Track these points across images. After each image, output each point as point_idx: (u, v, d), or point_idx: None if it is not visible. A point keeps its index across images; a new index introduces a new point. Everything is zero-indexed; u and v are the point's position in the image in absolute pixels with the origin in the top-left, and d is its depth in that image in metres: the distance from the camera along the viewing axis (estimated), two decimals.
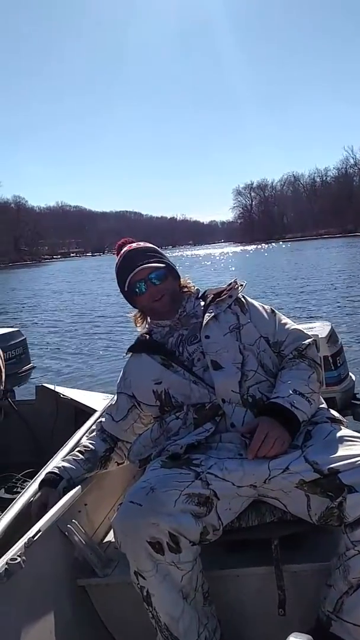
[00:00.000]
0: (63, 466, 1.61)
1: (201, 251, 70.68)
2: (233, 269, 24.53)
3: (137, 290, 1.57)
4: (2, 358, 2.30)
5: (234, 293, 1.58)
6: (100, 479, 1.76)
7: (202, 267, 28.85)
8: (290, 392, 1.38)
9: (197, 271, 23.28)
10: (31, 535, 1.31)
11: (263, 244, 70.20)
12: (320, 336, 2.69)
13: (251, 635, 1.38)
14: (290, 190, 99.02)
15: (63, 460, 1.65)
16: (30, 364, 2.80)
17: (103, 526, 1.73)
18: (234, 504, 1.28)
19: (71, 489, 1.57)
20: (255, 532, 1.33)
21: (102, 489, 1.78)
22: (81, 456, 1.65)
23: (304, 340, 1.52)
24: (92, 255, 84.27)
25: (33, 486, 1.70)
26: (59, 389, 2.60)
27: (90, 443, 1.69)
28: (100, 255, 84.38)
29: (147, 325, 1.68)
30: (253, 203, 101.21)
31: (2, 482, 2.26)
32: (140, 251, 1.62)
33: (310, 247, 45.21)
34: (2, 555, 1.26)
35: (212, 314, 1.52)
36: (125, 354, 1.67)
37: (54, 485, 1.56)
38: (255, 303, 1.60)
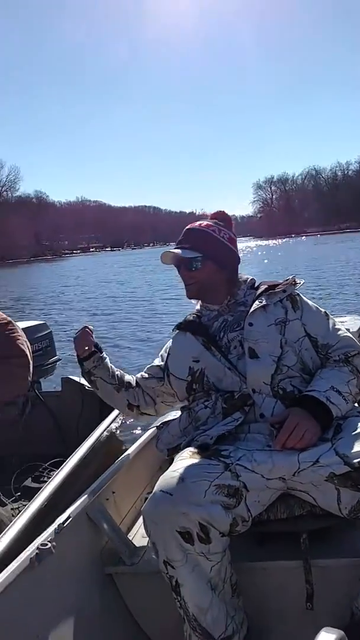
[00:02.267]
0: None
1: None
2: (266, 261, 24.11)
3: (178, 268, 1.61)
4: (30, 350, 2.33)
5: (289, 289, 1.56)
6: (128, 468, 1.78)
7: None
8: (328, 387, 1.37)
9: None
10: (61, 522, 1.33)
11: (285, 238, 69.42)
12: (351, 330, 2.67)
13: (278, 629, 1.38)
14: (312, 184, 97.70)
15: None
16: (56, 356, 2.84)
17: (130, 515, 1.75)
18: (262, 496, 1.28)
19: (97, 367, 1.65)
20: (284, 525, 1.32)
21: (130, 478, 1.80)
22: (114, 367, 1.74)
23: (354, 348, 1.50)
24: (111, 250, 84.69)
25: (59, 475, 1.74)
26: (84, 381, 2.63)
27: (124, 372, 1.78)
28: (119, 249, 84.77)
29: (199, 306, 1.68)
30: (273, 197, 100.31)
31: (30, 471, 2.31)
32: (192, 233, 1.61)
33: (334, 240, 44.46)
34: (32, 541, 1.29)
35: (262, 303, 1.51)
36: (171, 331, 1.69)
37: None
38: (310, 303, 1.58)
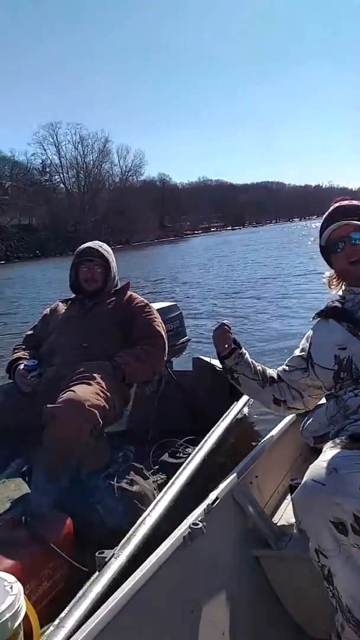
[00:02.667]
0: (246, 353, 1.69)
1: None
2: None
3: (335, 247, 1.52)
4: (165, 331, 2.42)
5: None
6: (269, 453, 1.80)
7: None
8: None
9: None
10: (210, 502, 1.37)
11: None
12: None
13: None
14: None
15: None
16: (186, 336, 2.94)
17: (273, 499, 1.76)
18: None
19: (239, 362, 1.65)
20: None
21: (271, 463, 1.81)
22: (255, 363, 1.73)
23: None
24: (232, 229, 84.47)
25: (199, 454, 1.79)
26: (215, 362, 2.67)
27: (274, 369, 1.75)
28: (240, 228, 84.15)
29: (341, 292, 1.62)
30: None
31: (166, 447, 2.43)
32: (349, 208, 1.55)
33: None
34: (177, 517, 1.36)
35: None
36: (312, 319, 1.65)
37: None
38: None
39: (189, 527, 1.27)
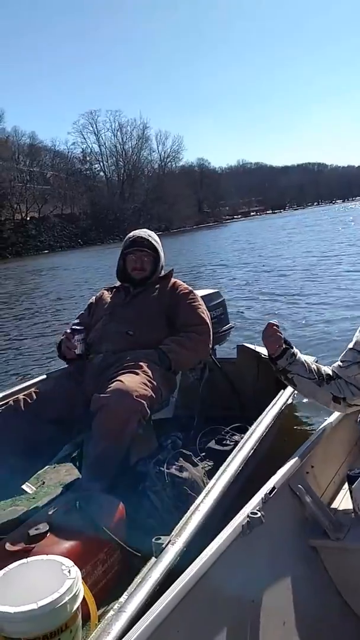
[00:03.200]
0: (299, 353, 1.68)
1: None
2: None
3: None
4: (209, 318, 2.41)
5: None
6: (326, 442, 1.77)
7: None
8: None
9: None
10: (267, 492, 1.37)
11: None
12: None
13: None
14: None
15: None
16: (230, 323, 2.91)
17: (329, 489, 1.74)
18: None
19: (291, 364, 1.63)
20: None
21: (327, 452, 1.79)
22: (310, 361, 1.71)
23: None
24: (272, 212, 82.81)
25: (248, 443, 1.78)
26: (260, 349, 2.64)
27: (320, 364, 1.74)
28: (280, 212, 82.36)
29: None
30: None
31: (213, 434, 2.43)
32: None
33: None
34: (232, 505, 1.36)
35: None
36: None
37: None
38: None
39: (248, 516, 1.27)
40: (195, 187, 74.00)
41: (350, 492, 1.42)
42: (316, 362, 1.73)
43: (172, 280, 2.48)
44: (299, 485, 1.51)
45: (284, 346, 1.65)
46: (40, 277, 21.30)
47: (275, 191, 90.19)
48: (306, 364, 1.65)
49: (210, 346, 2.38)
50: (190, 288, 2.46)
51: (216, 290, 2.91)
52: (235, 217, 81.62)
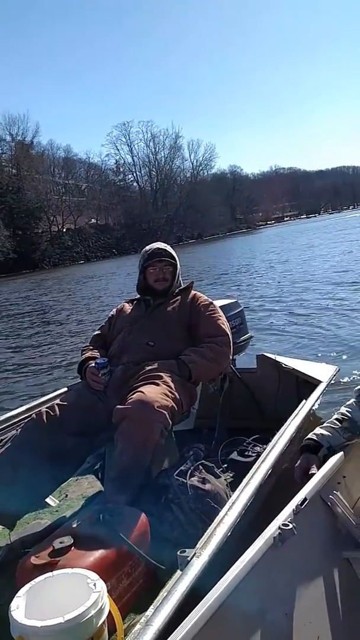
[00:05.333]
0: (321, 433, 1.65)
1: None
2: None
3: None
4: (229, 328, 2.42)
5: None
6: (356, 450, 1.73)
7: None
8: None
9: None
10: (298, 503, 1.35)
11: None
12: None
13: None
14: None
15: (321, 428, 1.69)
16: (248, 333, 2.90)
17: None
18: None
19: (330, 456, 1.60)
20: None
21: (359, 462, 1.74)
22: (339, 424, 1.66)
23: None
24: (306, 217, 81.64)
25: (272, 454, 1.77)
26: (280, 359, 2.63)
27: (347, 411, 1.69)
28: (315, 216, 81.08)
29: None
30: None
31: (234, 445, 2.42)
32: None
33: None
34: (260, 517, 1.34)
35: None
36: None
37: (314, 452, 1.62)
38: None
39: (279, 527, 1.25)
40: (228, 194, 73.87)
41: None
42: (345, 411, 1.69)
43: (192, 292, 2.50)
44: (331, 496, 1.49)
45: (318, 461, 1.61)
46: (76, 284, 21.77)
47: (309, 195, 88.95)
48: (338, 436, 1.63)
49: (230, 357, 2.39)
50: (210, 300, 2.48)
51: (234, 300, 2.91)
52: (268, 222, 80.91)
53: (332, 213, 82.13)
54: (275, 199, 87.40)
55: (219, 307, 2.48)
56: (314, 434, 1.66)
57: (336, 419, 1.69)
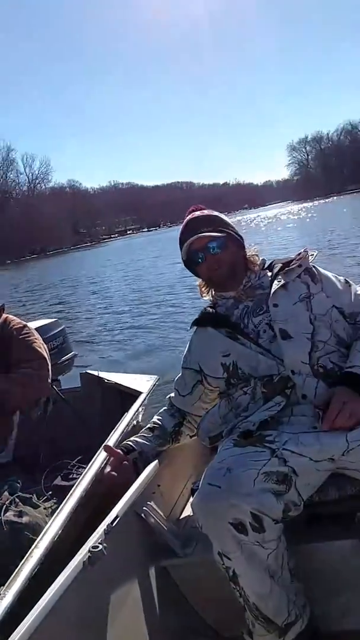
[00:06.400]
0: (135, 440, 1.65)
1: (262, 213, 68.02)
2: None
3: (196, 259, 1.55)
4: (47, 351, 2.35)
5: (304, 263, 1.52)
6: (171, 459, 1.76)
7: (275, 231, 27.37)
8: None
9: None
10: (110, 522, 1.32)
11: (324, 199, 66.66)
12: None
13: (341, 609, 1.35)
14: (348, 139, 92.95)
15: (135, 437, 1.69)
16: (71, 352, 2.87)
17: (178, 505, 1.73)
18: (312, 478, 1.25)
19: (143, 463, 1.60)
20: (337, 505, 1.30)
21: (174, 469, 1.78)
22: (151, 433, 1.68)
23: None
24: (147, 231, 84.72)
25: (90, 472, 1.74)
26: (102, 374, 2.63)
27: (158, 419, 1.72)
28: (156, 229, 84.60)
29: (211, 297, 1.65)
30: (309, 157, 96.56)
31: (58, 470, 2.34)
32: (202, 219, 1.58)
33: None
34: (75, 541, 1.29)
35: (281, 282, 1.48)
36: (189, 328, 1.65)
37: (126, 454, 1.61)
38: (328, 273, 1.55)
39: (89, 550, 1.21)
40: (69, 208, 73.00)
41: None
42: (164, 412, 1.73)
43: (4, 316, 2.38)
44: (145, 508, 1.49)
45: (131, 460, 1.61)
46: None
47: (149, 210, 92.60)
48: (156, 441, 1.65)
49: (50, 380, 2.32)
50: (23, 322, 2.38)
51: (54, 320, 2.85)
52: (112, 236, 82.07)
53: (170, 226, 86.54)
54: (117, 212, 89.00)
55: (37, 327, 2.40)
56: (127, 441, 1.68)
57: (148, 428, 1.73)
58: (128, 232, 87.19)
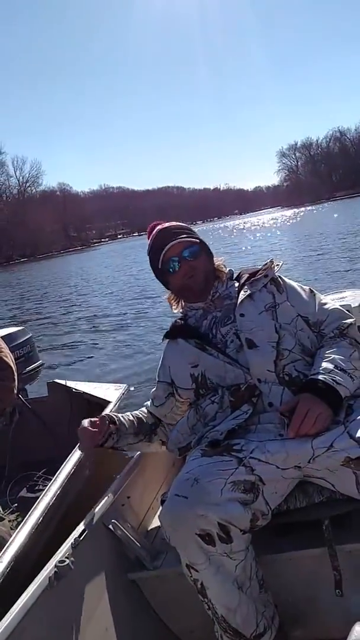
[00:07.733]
0: (120, 417, 1.62)
1: (253, 218, 68.32)
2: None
3: (170, 268, 1.54)
4: (13, 360, 2.31)
5: (270, 273, 1.54)
6: (142, 470, 1.75)
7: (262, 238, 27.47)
8: (331, 367, 1.32)
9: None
10: (77, 535, 1.30)
11: (313, 205, 67.19)
12: (352, 305, 2.54)
13: (311, 619, 1.34)
14: (337, 146, 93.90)
15: (121, 415, 1.66)
16: (39, 361, 2.82)
17: (148, 517, 1.70)
18: (280, 487, 1.23)
19: (118, 440, 1.56)
20: (305, 513, 1.28)
21: (143, 480, 1.75)
22: (131, 417, 1.65)
23: (345, 320, 1.49)
24: (138, 235, 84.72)
25: (56, 483, 1.71)
26: (70, 384, 2.60)
27: (141, 412, 1.70)
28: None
29: (182, 309, 1.65)
30: (299, 164, 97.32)
31: (24, 481, 2.31)
32: (171, 230, 1.58)
33: None
34: (40, 554, 1.26)
35: (247, 292, 1.49)
36: (162, 341, 1.64)
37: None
38: (293, 283, 1.57)
39: (55, 565, 1.19)
40: (59, 212, 72.81)
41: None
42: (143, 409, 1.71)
43: None
44: (113, 520, 1.46)
45: (108, 430, 1.56)
46: None
47: (140, 214, 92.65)
48: (131, 429, 1.61)
49: (15, 390, 2.29)
50: None
51: (21, 328, 2.80)
52: (103, 240, 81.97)
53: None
54: (107, 217, 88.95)
55: (2, 336, 2.38)
56: (114, 414, 1.64)
57: (132, 414, 1.69)
58: (119, 236, 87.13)
